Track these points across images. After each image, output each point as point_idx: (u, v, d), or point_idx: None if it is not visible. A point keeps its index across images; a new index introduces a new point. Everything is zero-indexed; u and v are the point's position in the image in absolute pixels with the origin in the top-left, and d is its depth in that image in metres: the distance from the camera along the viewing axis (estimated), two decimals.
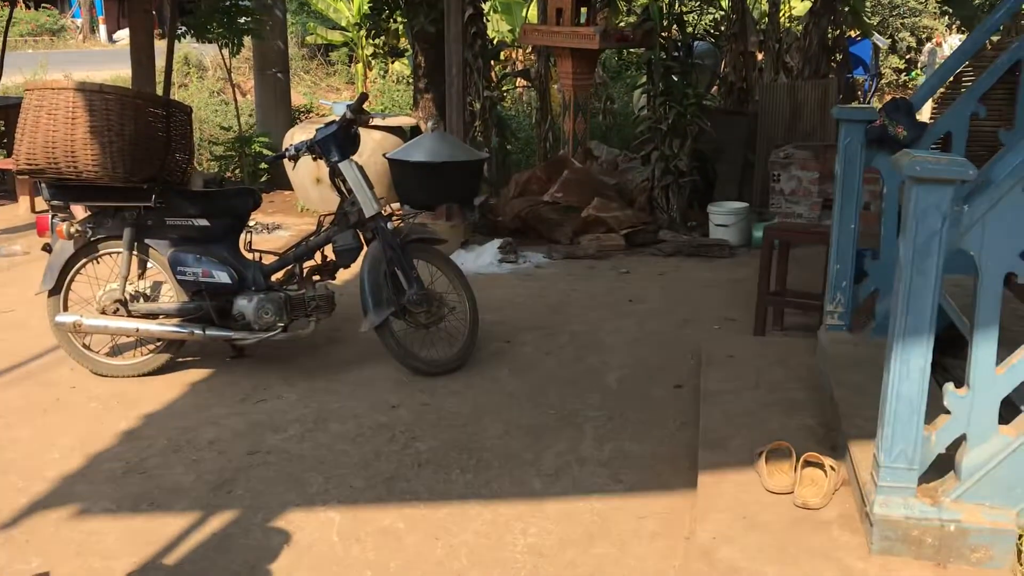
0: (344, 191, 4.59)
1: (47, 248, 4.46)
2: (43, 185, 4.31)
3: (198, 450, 3.78)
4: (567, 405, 4.20)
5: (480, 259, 6.57)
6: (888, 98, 15.31)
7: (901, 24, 18.29)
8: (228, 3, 8.43)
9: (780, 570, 2.69)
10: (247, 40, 8.89)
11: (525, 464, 3.65)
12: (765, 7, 9.86)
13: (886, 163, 3.99)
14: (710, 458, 3.37)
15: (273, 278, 4.56)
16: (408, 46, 10.74)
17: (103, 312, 4.40)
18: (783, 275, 5.13)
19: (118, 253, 4.41)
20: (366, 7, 10.56)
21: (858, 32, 12.00)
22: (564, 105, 8.31)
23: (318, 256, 4.68)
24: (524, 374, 4.56)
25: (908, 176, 2.53)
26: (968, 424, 2.66)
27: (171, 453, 3.75)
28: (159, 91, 7.98)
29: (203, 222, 4.41)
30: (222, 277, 4.38)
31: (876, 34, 14.86)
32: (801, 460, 3.13)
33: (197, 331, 4.37)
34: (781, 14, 9.84)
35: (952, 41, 16.58)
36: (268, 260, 4.61)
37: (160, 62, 8.15)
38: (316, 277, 4.65)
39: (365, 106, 4.75)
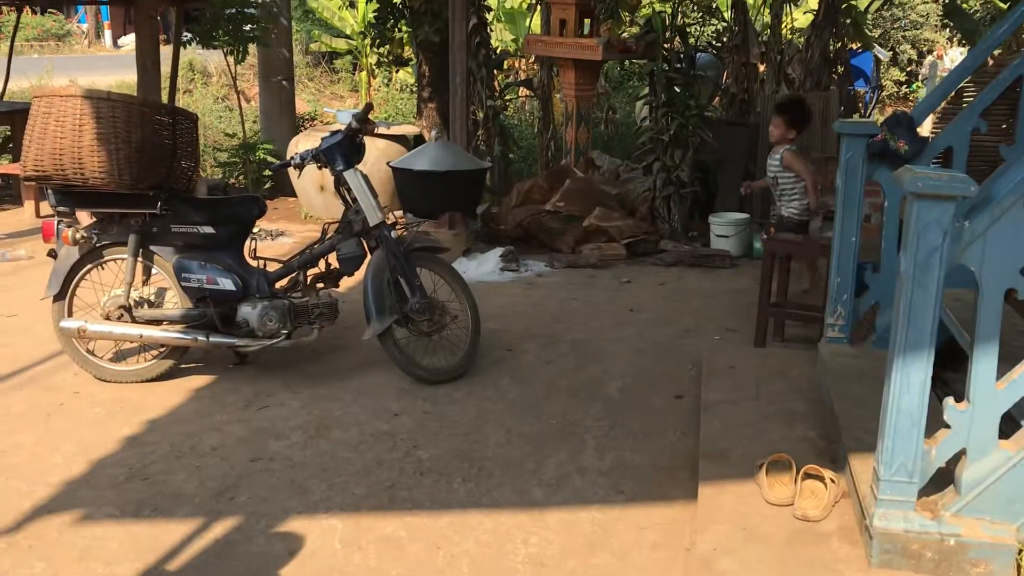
0: (348, 199, 4.62)
1: (52, 254, 4.48)
2: (49, 191, 4.33)
3: (201, 456, 3.79)
4: (568, 414, 4.22)
5: (482, 267, 6.59)
6: (889, 110, 15.38)
7: (902, 37, 18.35)
8: (234, 10, 8.47)
9: None
10: (252, 47, 8.93)
11: (526, 473, 3.67)
12: (767, 19, 9.91)
13: (887, 177, 4.02)
14: (711, 469, 3.38)
15: (277, 285, 4.59)
16: (412, 55, 10.77)
17: (107, 318, 4.42)
18: (784, 287, 5.16)
19: (123, 259, 4.43)
20: (371, 16, 10.60)
21: (859, 44, 12.05)
22: (566, 115, 8.35)
23: (322, 264, 4.70)
24: (525, 383, 4.58)
25: (910, 192, 2.55)
26: (968, 438, 2.68)
27: (174, 459, 3.77)
28: (164, 97, 8.03)
29: (208, 229, 4.44)
30: (226, 284, 4.40)
31: (877, 46, 14.91)
32: (801, 472, 3.14)
33: (201, 337, 4.39)
34: (783, 26, 9.88)
35: (953, 54, 16.62)
36: (272, 267, 4.64)
37: (165, 68, 8.19)
38: (320, 285, 4.67)
39: (370, 115, 4.78)
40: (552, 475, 3.66)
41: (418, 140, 8.37)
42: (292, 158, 4.67)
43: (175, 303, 4.51)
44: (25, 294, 5.69)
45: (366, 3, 11.53)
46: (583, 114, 8.14)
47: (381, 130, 8.15)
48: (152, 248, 4.44)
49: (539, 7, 9.94)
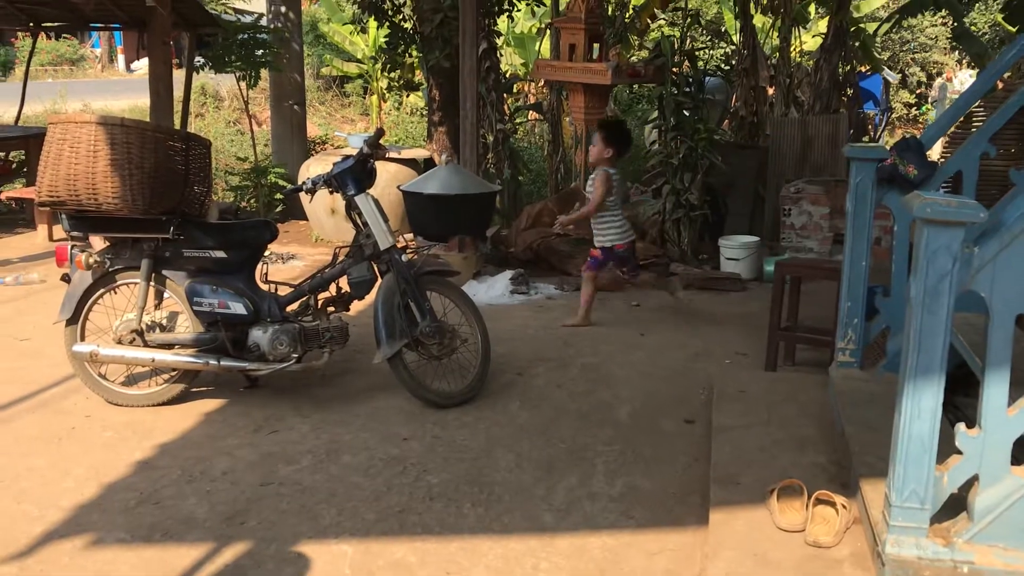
0: (359, 224, 4.64)
1: (66, 278, 4.51)
2: (63, 216, 4.37)
3: (211, 481, 3.80)
4: (578, 439, 4.21)
5: (492, 290, 6.61)
6: (899, 132, 15.39)
7: (911, 59, 18.40)
8: (246, 35, 8.57)
9: None
10: (264, 72, 9.03)
11: (536, 498, 3.66)
12: (776, 42, 9.95)
13: (897, 202, 4.02)
14: (721, 495, 3.37)
15: (288, 309, 4.61)
16: (423, 80, 10.86)
17: (119, 342, 4.44)
18: (794, 310, 5.15)
19: (135, 283, 4.46)
20: (382, 41, 10.69)
21: (868, 67, 12.09)
22: (576, 138, 8.39)
23: (333, 288, 4.73)
24: (535, 407, 4.58)
25: (919, 218, 2.56)
26: (980, 465, 2.66)
27: (184, 484, 3.77)
28: (177, 121, 8.11)
29: (220, 254, 4.47)
30: (238, 308, 4.43)
31: (886, 69, 14.95)
32: (813, 498, 3.13)
33: (212, 361, 4.41)
34: (792, 49, 9.93)
35: (962, 76, 16.65)
36: (283, 291, 4.66)
37: (178, 92, 8.27)
38: (331, 309, 4.69)
39: (381, 141, 4.82)
40: (562, 500, 3.65)
41: (428, 164, 8.43)
42: (304, 183, 4.71)
43: (187, 327, 4.53)
44: (38, 318, 5.73)
45: (377, 28, 11.64)
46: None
47: (392, 154, 8.21)
48: (164, 272, 4.47)
49: (548, 31, 10.02)
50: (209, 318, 4.45)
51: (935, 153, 8.00)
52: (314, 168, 7.92)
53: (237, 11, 12.79)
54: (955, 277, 2.56)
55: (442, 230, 6.82)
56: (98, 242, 4.58)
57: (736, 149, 8.45)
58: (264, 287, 4.62)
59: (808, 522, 3.07)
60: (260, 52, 8.54)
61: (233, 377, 4.71)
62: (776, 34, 9.92)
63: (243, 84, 8.71)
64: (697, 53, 9.13)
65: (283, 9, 9.54)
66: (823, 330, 4.98)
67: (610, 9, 9.06)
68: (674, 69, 7.53)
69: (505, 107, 8.76)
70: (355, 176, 4.60)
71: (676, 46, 7.67)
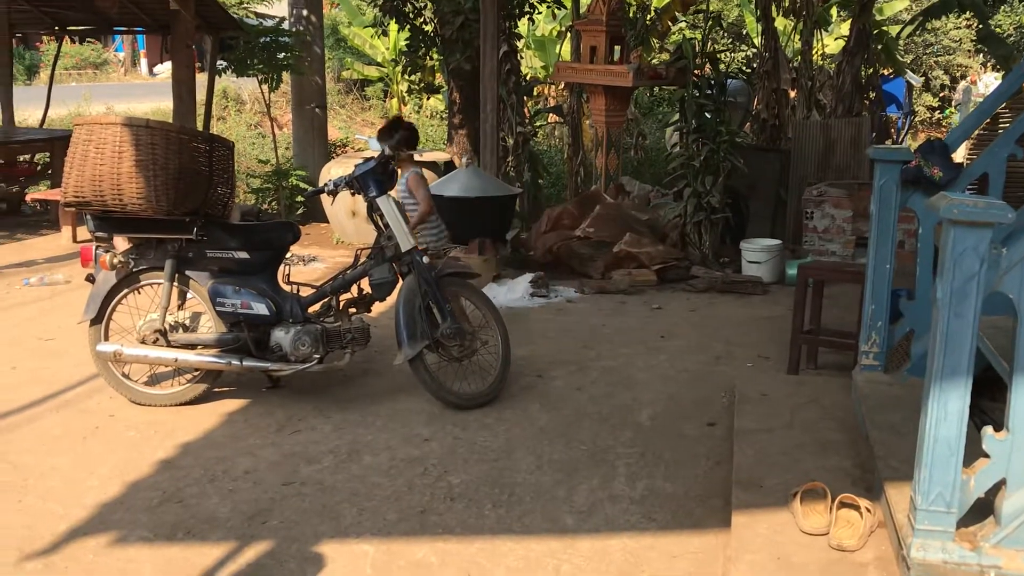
0: (381, 225, 4.66)
1: (90, 278, 4.55)
2: (88, 216, 4.41)
3: (233, 480, 3.82)
4: (599, 441, 4.20)
5: (512, 293, 6.61)
6: (922, 136, 15.27)
7: (935, 62, 18.26)
8: (268, 39, 8.62)
9: None
10: (285, 75, 9.08)
11: (557, 500, 3.65)
12: (798, 45, 9.91)
13: (921, 204, 3.99)
14: (744, 498, 3.35)
15: (310, 310, 4.62)
16: (443, 83, 10.88)
17: (143, 342, 4.48)
18: (817, 314, 5.12)
19: (159, 284, 4.49)
20: (402, 44, 10.73)
21: (891, 70, 12.01)
22: (596, 141, 8.39)
23: (354, 289, 4.74)
24: (556, 409, 4.57)
25: (946, 219, 2.53)
26: (1008, 468, 2.63)
27: (207, 483, 3.79)
28: (199, 124, 8.16)
29: (243, 255, 4.49)
30: (260, 309, 4.45)
31: (909, 72, 14.85)
32: (836, 501, 3.10)
33: (235, 362, 4.43)
34: (814, 52, 9.88)
35: (987, 79, 16.50)
36: (305, 292, 4.68)
37: (201, 96, 8.33)
38: (352, 310, 4.71)
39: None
40: (583, 502, 3.64)
41: (448, 167, 8.44)
42: (326, 185, 4.73)
43: (209, 327, 4.55)
44: (62, 318, 5.78)
45: (398, 31, 11.68)
46: (613, 140, 8.17)
47: (425, 156, 8.22)
48: (188, 273, 4.50)
49: (569, 34, 10.02)
50: (232, 318, 4.48)
51: (959, 156, 7.93)
52: (335, 171, 7.95)
53: (259, 15, 12.90)
54: (982, 278, 2.53)
55: (463, 233, 6.81)
56: (121, 243, 4.62)
57: (758, 152, 8.41)
58: (286, 288, 4.64)
59: (832, 525, 3.04)
60: (282, 55, 8.59)
61: (255, 377, 4.73)
62: (798, 37, 9.88)
63: (265, 87, 8.76)
64: (719, 56, 9.10)
65: (305, 12, 9.58)
66: (846, 333, 4.95)
67: (631, 11, 9.04)
68: (696, 71, 7.51)
69: (525, 110, 8.77)
70: (377, 178, 4.62)
71: (697, 48, 7.65)
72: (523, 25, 10.68)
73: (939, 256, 2.63)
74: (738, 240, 7.44)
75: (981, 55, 17.05)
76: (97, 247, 4.48)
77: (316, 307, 4.68)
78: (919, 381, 2.75)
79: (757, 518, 3.19)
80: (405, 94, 14.87)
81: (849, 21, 9.86)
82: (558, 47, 12.08)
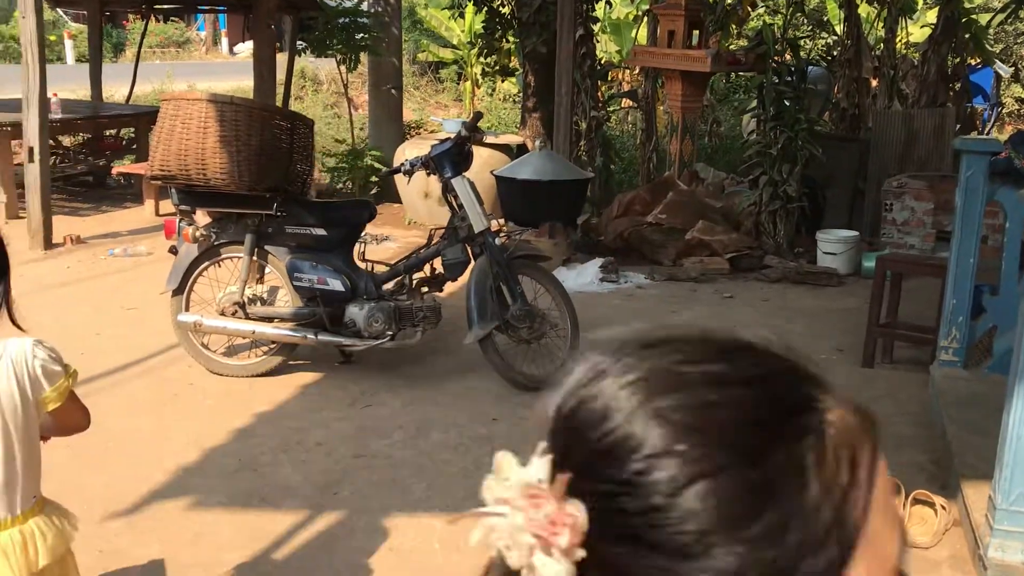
0: (455, 206, 4.70)
1: (173, 250, 4.68)
2: (172, 190, 4.54)
3: (306, 451, 3.91)
4: None
5: (581, 277, 6.60)
6: (1009, 129, 14.77)
7: None
8: (347, 20, 8.73)
9: None
10: (363, 56, 9.18)
11: None
12: (881, 33, 9.65)
13: (1011, 197, 3.87)
14: None
15: (384, 288, 4.69)
16: (518, 65, 10.88)
17: (222, 313, 4.60)
18: (894, 306, 5.01)
19: (239, 258, 4.61)
20: (478, 26, 10.76)
21: (979, 60, 11.62)
22: (671, 127, 8.31)
23: (427, 268, 4.80)
24: None
25: None
26: None
27: (281, 452, 3.89)
28: (278, 103, 8.31)
29: (320, 231, 4.57)
30: (336, 285, 4.53)
31: (999, 62, 14.33)
32: (910, 498, 3.05)
33: (310, 336, 4.53)
34: (897, 40, 9.61)
35: None
36: (380, 270, 4.75)
37: (280, 75, 8.47)
38: (424, 289, 4.77)
39: (479, 124, 4.85)
40: None
41: (521, 150, 8.44)
42: (402, 164, 4.78)
43: (286, 301, 4.66)
44: (144, 288, 5.96)
45: (475, 14, 11.71)
46: (688, 126, 8.07)
47: (489, 139, 8.25)
48: (267, 248, 4.60)
49: (646, 18, 9.92)
50: (308, 293, 4.57)
51: None
52: (409, 151, 8.01)
53: None
54: None
55: (534, 216, 6.84)
56: (202, 217, 4.74)
57: (836, 141, 8.22)
58: (361, 265, 4.72)
59: (905, 522, 2.99)
60: (360, 36, 8.68)
61: (328, 352, 4.82)
62: (881, 24, 9.62)
63: (343, 68, 8.87)
64: (799, 42, 8.92)
65: None
66: (924, 328, 4.84)
67: None
68: (775, 58, 7.37)
69: (599, 94, 8.71)
70: (452, 159, 4.66)
71: (778, 34, 7.51)
72: (600, 8, 10.61)
73: None
74: (813, 230, 7.30)
75: None
76: (180, 220, 4.61)
77: (390, 285, 4.75)
78: (1001, 378, 2.68)
79: None
80: (479, 76, 14.90)
81: (936, 8, 9.56)
82: (634, 31, 11.98)
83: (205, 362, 4.69)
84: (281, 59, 9.18)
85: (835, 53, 10.22)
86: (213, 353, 4.71)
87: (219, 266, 4.74)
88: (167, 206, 8.13)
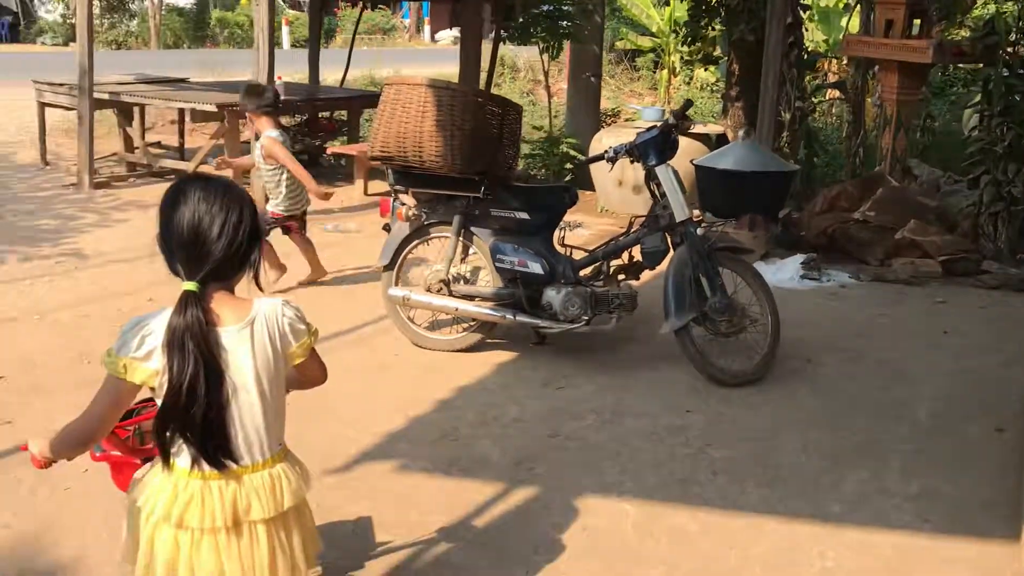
0: (657, 194, 4.69)
1: (386, 228, 4.93)
2: (389, 170, 4.77)
3: (503, 426, 4.03)
4: (870, 433, 4.02)
5: (780, 273, 6.42)
6: None
7: None
8: (550, 8, 8.84)
9: None
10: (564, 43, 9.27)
11: (823, 487, 3.56)
12: None
13: None
14: None
15: (581, 273, 4.75)
16: (721, 54, 10.66)
17: (428, 290, 4.80)
18: None
19: (446, 238, 4.79)
20: (681, 14, 10.62)
21: None
22: (883, 120, 7.90)
23: (625, 256, 4.81)
24: (824, 395, 4.43)
25: None
26: None
27: (479, 425, 4.03)
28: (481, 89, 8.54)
29: (523, 215, 4.68)
30: (536, 268, 4.63)
31: None
32: None
33: (509, 316, 4.65)
34: None
35: None
36: (578, 256, 4.81)
37: (484, 63, 8.70)
38: (621, 276, 4.79)
39: (688, 113, 4.82)
40: (851, 492, 3.52)
41: (720, 140, 8.28)
42: (606, 151, 4.81)
43: (487, 282, 4.80)
44: (353, 262, 6.31)
45: (680, 1, 11.57)
46: (903, 120, 7.66)
47: (697, 128, 8.15)
48: (472, 229, 4.76)
49: (859, 6, 9.46)
50: (509, 275, 4.69)
51: None
52: (606, 140, 8.05)
53: None
54: None
55: (733, 207, 6.67)
56: (409, 197, 4.95)
57: None
58: (560, 250, 4.80)
59: None
60: (564, 24, 8.77)
61: (524, 333, 4.94)
62: None
63: (545, 56, 9.00)
64: None
65: None
66: None
67: None
68: (1007, 49, 6.86)
69: (805, 84, 8.40)
70: (658, 147, 4.65)
71: (1012, 23, 6.98)
72: None
73: None
74: None
75: None
76: (394, 200, 4.84)
77: (587, 271, 4.80)
78: None
79: None
80: (677, 65, 14.72)
81: None
82: (845, 19, 11.44)
83: (410, 335, 4.92)
84: (485, 46, 9.42)
85: None
86: (418, 327, 4.93)
87: (427, 245, 4.94)
88: (376, 186, 8.55)
